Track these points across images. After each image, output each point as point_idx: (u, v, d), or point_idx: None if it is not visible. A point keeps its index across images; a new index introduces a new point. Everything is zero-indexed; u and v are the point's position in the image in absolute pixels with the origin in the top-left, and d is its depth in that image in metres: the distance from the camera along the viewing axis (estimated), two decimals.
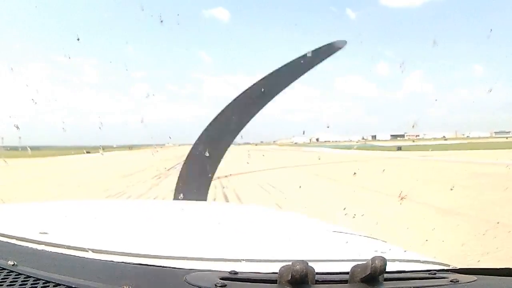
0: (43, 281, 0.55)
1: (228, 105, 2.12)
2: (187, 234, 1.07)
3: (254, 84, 2.12)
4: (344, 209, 5.30)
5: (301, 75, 2.13)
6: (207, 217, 1.43)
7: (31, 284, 0.54)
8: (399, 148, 38.80)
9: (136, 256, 0.70)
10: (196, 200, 1.80)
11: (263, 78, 2.07)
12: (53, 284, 0.54)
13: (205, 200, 1.88)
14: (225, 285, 0.55)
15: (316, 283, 0.57)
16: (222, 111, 2.11)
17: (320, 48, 2.10)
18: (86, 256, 0.69)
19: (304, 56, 2.06)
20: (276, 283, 0.57)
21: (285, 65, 2.02)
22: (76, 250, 0.72)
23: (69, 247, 0.73)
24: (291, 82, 2.10)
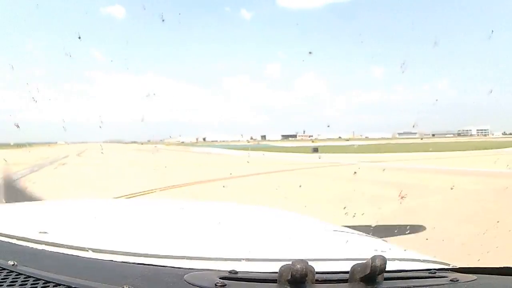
0: (43, 281, 0.55)
1: None
2: (187, 233, 1.07)
3: None
4: None
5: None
6: (207, 217, 1.43)
7: (31, 284, 0.54)
8: (315, 150, 31.58)
9: (136, 255, 0.70)
10: None
11: None
12: (53, 284, 0.54)
13: None
14: (225, 285, 0.55)
15: (316, 282, 0.57)
16: None
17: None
18: (86, 256, 0.69)
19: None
20: (276, 283, 0.57)
21: None
22: (76, 250, 0.72)
23: (69, 247, 0.73)
24: None
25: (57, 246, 0.73)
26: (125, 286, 0.53)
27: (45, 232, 0.85)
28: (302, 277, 0.54)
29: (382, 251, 0.96)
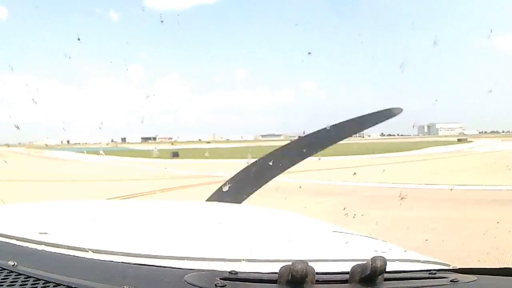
0: (43, 281, 0.55)
1: (289, 144, 2.20)
2: (187, 234, 1.07)
3: (304, 136, 2.20)
4: None
5: (348, 137, 2.17)
6: (207, 217, 1.43)
7: (31, 284, 0.54)
8: (176, 155, 28.27)
9: (136, 256, 0.70)
10: (231, 202, 1.81)
11: (316, 132, 2.11)
12: (53, 284, 0.54)
13: (240, 203, 1.90)
14: (225, 285, 0.55)
15: (316, 283, 0.57)
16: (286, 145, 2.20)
17: (375, 113, 2.13)
18: (86, 256, 0.69)
19: (358, 118, 2.10)
20: (276, 283, 0.57)
21: (334, 125, 2.05)
22: (76, 250, 0.72)
23: (69, 247, 0.73)
24: (337, 141, 2.16)
25: (57, 247, 0.73)
26: (125, 287, 0.53)
27: (45, 233, 0.85)
28: (302, 278, 0.54)
29: (382, 252, 0.96)
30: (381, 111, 2.12)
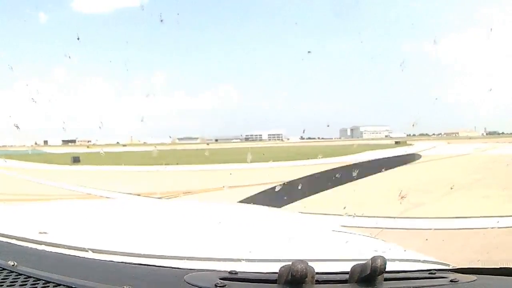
0: (43, 281, 0.55)
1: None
2: (187, 234, 1.07)
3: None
4: None
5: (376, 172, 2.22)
6: (207, 217, 1.43)
7: (31, 284, 0.54)
8: (76, 160, 25.19)
9: (136, 256, 0.70)
10: (270, 206, 1.82)
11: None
12: (53, 284, 0.54)
13: (279, 207, 1.91)
14: (225, 285, 0.55)
15: (316, 283, 0.57)
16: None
17: (401, 156, 2.15)
18: (86, 256, 0.69)
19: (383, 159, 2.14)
20: (276, 283, 0.57)
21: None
22: (76, 250, 0.72)
23: (69, 247, 0.73)
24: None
25: (57, 247, 0.73)
26: (125, 286, 0.53)
27: (45, 233, 0.85)
28: (302, 278, 0.54)
29: (382, 252, 0.96)
30: (406, 155, 2.17)
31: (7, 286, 0.54)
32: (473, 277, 0.66)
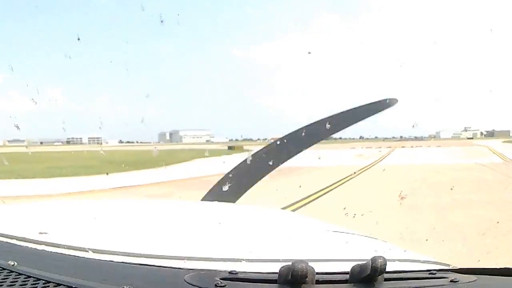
0: (43, 281, 0.55)
1: (292, 133, 2.19)
2: (187, 234, 1.07)
3: (296, 130, 2.21)
4: None
5: (342, 129, 2.19)
6: (207, 217, 1.43)
7: (31, 284, 0.55)
8: None
9: (136, 256, 0.70)
10: (226, 201, 1.81)
11: (309, 125, 2.13)
12: (54, 284, 0.54)
13: (234, 202, 1.89)
14: (225, 285, 0.55)
15: (316, 283, 0.57)
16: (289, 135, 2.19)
17: (371, 104, 2.14)
18: (86, 256, 0.69)
19: (352, 110, 2.11)
20: (276, 283, 0.57)
21: (328, 117, 2.07)
22: (76, 250, 0.72)
23: (69, 247, 0.73)
24: (330, 135, 2.18)
25: (57, 246, 0.73)
26: (125, 287, 0.53)
27: (45, 232, 0.85)
28: (302, 278, 0.54)
29: (382, 252, 0.96)
30: (377, 101, 2.11)
31: (7, 286, 0.54)
32: (473, 277, 0.66)
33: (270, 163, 2.06)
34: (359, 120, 2.22)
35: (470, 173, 15.13)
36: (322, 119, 2.06)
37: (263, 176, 2.08)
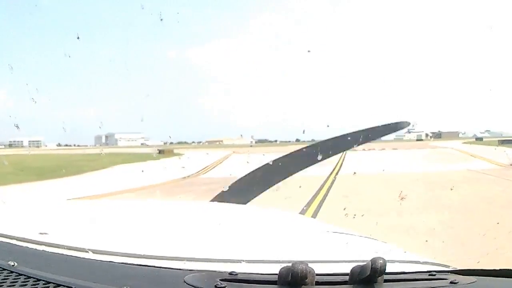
0: (43, 282, 0.55)
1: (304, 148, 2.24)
2: (187, 234, 1.07)
3: (312, 144, 2.25)
4: None
5: (356, 145, 2.23)
6: (207, 218, 1.43)
7: (32, 284, 0.55)
8: None
9: (136, 257, 0.70)
10: (236, 203, 1.82)
11: (325, 140, 2.17)
12: (54, 284, 0.54)
13: (245, 204, 1.90)
14: (225, 286, 0.55)
15: (316, 284, 0.57)
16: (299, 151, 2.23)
17: (385, 125, 2.18)
18: (86, 257, 0.69)
19: (368, 130, 2.15)
20: (276, 284, 0.57)
21: (343, 135, 2.11)
22: (76, 250, 0.72)
23: (69, 248, 0.73)
24: (344, 150, 2.21)
25: (57, 247, 0.73)
26: (125, 287, 0.53)
27: (45, 233, 0.85)
28: (302, 279, 0.54)
29: (382, 253, 0.96)
30: (391, 123, 2.17)
31: (7, 286, 0.54)
32: (473, 278, 0.65)
33: (285, 170, 2.10)
34: (373, 139, 2.32)
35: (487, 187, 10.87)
36: (342, 135, 2.13)
37: (277, 183, 2.11)
